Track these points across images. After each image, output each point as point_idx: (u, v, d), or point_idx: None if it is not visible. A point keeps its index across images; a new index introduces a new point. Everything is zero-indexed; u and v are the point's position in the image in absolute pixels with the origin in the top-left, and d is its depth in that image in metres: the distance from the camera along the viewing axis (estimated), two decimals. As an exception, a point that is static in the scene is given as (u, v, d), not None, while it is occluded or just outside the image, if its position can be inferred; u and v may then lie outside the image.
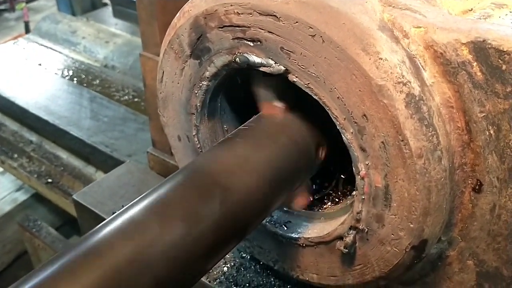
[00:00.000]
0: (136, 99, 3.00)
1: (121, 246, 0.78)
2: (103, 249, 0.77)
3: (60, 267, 0.73)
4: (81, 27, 3.68)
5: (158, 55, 1.55)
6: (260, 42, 0.98)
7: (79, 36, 3.59)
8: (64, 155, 2.86)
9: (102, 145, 2.53)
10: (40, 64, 3.33)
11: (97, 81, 3.16)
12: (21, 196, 3.57)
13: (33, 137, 2.98)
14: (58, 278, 0.72)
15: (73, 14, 4.93)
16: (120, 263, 0.75)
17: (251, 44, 1.00)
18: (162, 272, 0.80)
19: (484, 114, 0.89)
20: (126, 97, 3.01)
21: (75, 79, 3.18)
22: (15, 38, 3.78)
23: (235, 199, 0.94)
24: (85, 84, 3.12)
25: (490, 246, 0.99)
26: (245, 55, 1.01)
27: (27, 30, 5.17)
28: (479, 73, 0.87)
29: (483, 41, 0.85)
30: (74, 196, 1.68)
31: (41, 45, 3.58)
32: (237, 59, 1.03)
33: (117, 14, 4.59)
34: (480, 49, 0.85)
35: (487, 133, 0.90)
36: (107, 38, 3.55)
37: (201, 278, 1.37)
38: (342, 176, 1.26)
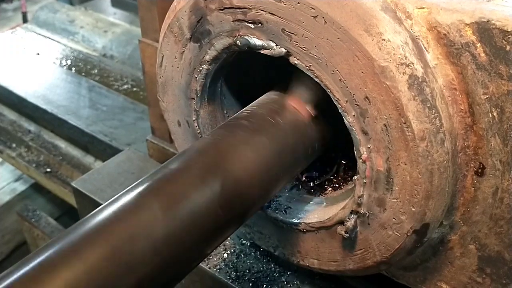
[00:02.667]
0: (135, 89, 2.98)
1: (122, 226, 0.78)
2: (103, 229, 0.77)
3: (60, 248, 0.73)
4: (79, 16, 3.65)
5: (157, 41, 1.54)
6: (261, 24, 0.97)
7: (77, 25, 3.56)
8: (62, 144, 2.84)
9: (101, 134, 2.51)
10: (38, 54, 3.30)
11: (96, 71, 3.14)
12: (20, 187, 3.56)
13: (32, 127, 2.96)
14: (56, 259, 0.71)
15: (71, 3, 4.90)
16: (120, 243, 0.75)
17: (252, 26, 0.98)
18: (162, 254, 0.79)
19: (487, 96, 0.88)
20: (125, 86, 2.99)
21: (73, 68, 3.16)
22: (13, 28, 3.75)
23: (236, 182, 0.93)
24: (83, 74, 3.10)
25: (492, 230, 0.99)
26: (246, 37, 1.00)
27: (25, 21, 5.12)
28: (482, 54, 0.86)
29: (487, 21, 0.84)
30: (73, 183, 1.67)
31: (39, 34, 3.55)
32: (238, 41, 1.01)
33: (115, 3, 4.57)
34: (484, 29, 0.84)
35: (491, 116, 0.89)
36: (106, 28, 3.52)
37: (201, 265, 1.37)
38: (343, 161, 1.26)
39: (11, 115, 3.07)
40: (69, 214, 3.43)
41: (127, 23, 3.74)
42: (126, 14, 4.23)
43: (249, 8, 0.97)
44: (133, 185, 0.86)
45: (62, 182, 2.75)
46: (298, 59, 0.96)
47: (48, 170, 2.81)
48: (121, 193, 0.84)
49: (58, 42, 3.48)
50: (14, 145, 2.96)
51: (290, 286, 1.34)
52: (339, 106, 0.94)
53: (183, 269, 0.88)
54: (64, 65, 3.20)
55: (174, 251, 0.81)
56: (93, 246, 0.73)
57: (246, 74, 1.19)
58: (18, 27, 3.76)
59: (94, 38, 3.49)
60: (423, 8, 0.89)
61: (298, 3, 0.90)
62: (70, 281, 0.68)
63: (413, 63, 0.86)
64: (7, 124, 3.03)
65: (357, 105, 0.91)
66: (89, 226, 0.77)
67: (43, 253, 0.72)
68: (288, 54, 0.97)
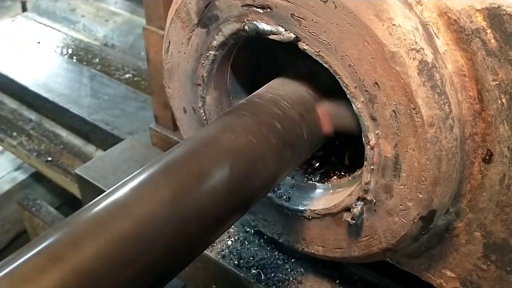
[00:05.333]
0: (136, 78, 2.97)
1: (130, 210, 0.77)
2: (111, 213, 0.76)
3: (66, 234, 0.72)
4: (80, 5, 3.63)
5: (162, 29, 1.53)
6: (270, 9, 0.96)
7: (78, 14, 3.54)
8: (63, 133, 2.83)
9: (103, 123, 2.50)
10: (39, 42, 3.28)
11: (97, 60, 3.13)
12: (20, 176, 3.55)
13: (33, 115, 2.95)
14: (62, 245, 0.71)
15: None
16: (127, 228, 0.75)
17: (261, 11, 0.98)
18: (169, 241, 0.79)
19: (496, 83, 0.88)
20: (127, 75, 2.98)
21: (74, 57, 3.15)
22: (13, 17, 3.73)
23: (244, 167, 0.93)
24: (84, 63, 3.09)
25: (498, 217, 0.99)
26: (255, 22, 1.00)
27: (24, 10, 5.09)
28: (493, 40, 0.86)
29: (498, 7, 0.84)
30: (77, 171, 1.67)
31: (40, 23, 3.52)
32: (246, 27, 1.01)
33: (116, -7, 4.53)
34: (494, 15, 0.84)
35: (499, 102, 0.89)
36: (107, 17, 3.50)
37: (205, 252, 1.37)
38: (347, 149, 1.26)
39: (12, 103, 3.05)
40: (69, 204, 3.43)
41: (128, 12, 3.70)
42: (127, 4, 4.19)
43: (258, -7, 0.96)
44: (140, 169, 0.86)
45: (63, 171, 2.75)
46: (307, 45, 0.95)
47: (49, 159, 2.81)
48: (129, 177, 0.84)
49: (59, 31, 3.46)
50: (15, 133, 2.95)
51: (294, 273, 1.35)
52: (348, 92, 0.94)
53: (189, 256, 0.87)
54: (65, 54, 3.19)
55: (180, 237, 0.81)
56: (100, 231, 0.73)
57: (253, 60, 1.18)
58: (19, 15, 3.74)
59: (95, 27, 3.47)
60: (434, -7, 0.89)
61: (308, -13, 0.89)
62: (78, 266, 0.68)
63: (423, 49, 0.86)
64: (8, 113, 3.02)
65: (366, 91, 0.91)
66: (96, 210, 0.77)
67: (48, 238, 0.71)
68: (297, 39, 0.96)
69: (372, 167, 0.99)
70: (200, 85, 1.17)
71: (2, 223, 3.42)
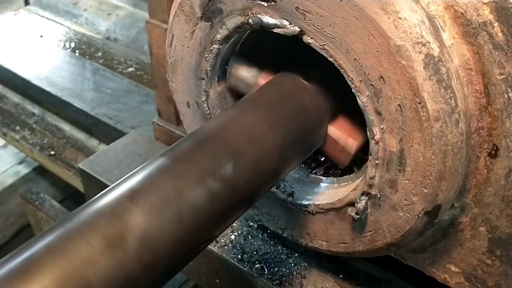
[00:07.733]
0: (139, 72, 2.96)
1: (135, 207, 0.77)
2: (114, 210, 0.76)
3: (65, 231, 0.72)
4: (82, -1, 3.63)
5: (165, 22, 1.53)
6: (275, 2, 0.96)
7: (81, 8, 3.54)
8: (66, 127, 2.83)
9: (106, 117, 2.50)
10: (41, 36, 3.28)
11: (100, 54, 3.12)
12: (24, 169, 3.56)
13: (35, 109, 2.95)
14: (61, 243, 0.70)
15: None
16: (131, 224, 0.74)
17: (265, 4, 0.97)
18: (174, 235, 0.79)
19: (503, 77, 0.87)
20: (129, 69, 2.98)
21: (77, 51, 3.15)
22: (16, 10, 3.72)
23: (248, 163, 0.93)
24: (87, 56, 3.09)
25: (504, 212, 0.99)
26: (259, 16, 0.99)
27: (27, 4, 5.09)
28: (500, 34, 0.85)
29: (505, 0, 0.83)
30: (80, 165, 1.67)
31: (42, 16, 3.52)
32: (250, 20, 1.00)
33: (118, -14, 4.51)
34: (502, 8, 0.83)
35: (506, 96, 0.88)
36: (109, 10, 3.50)
37: (209, 246, 1.37)
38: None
39: (14, 97, 3.06)
40: (72, 198, 3.43)
41: (131, 6, 3.69)
42: (130, -3, 4.20)
43: (263, -14, 0.95)
44: (144, 164, 0.86)
45: (66, 165, 2.75)
46: (311, 38, 0.95)
47: (52, 153, 2.81)
48: (132, 172, 0.84)
49: (61, 24, 3.45)
50: (18, 127, 2.96)
51: (298, 268, 1.35)
52: (353, 86, 0.93)
53: (192, 250, 0.87)
54: (68, 48, 3.19)
55: (184, 232, 0.81)
56: (101, 227, 0.73)
57: (257, 53, 1.17)
58: (21, 9, 3.73)
59: (98, 21, 3.46)
60: (440, -14, 0.88)
61: (313, -20, 0.88)
62: (82, 261, 0.68)
63: (429, 42, 0.85)
64: (10, 107, 3.03)
65: (371, 85, 0.91)
66: (99, 206, 0.76)
67: (49, 235, 0.71)
68: (301, 33, 0.95)
69: (377, 162, 0.98)
70: (204, 79, 1.16)
71: (6, 216, 3.43)
